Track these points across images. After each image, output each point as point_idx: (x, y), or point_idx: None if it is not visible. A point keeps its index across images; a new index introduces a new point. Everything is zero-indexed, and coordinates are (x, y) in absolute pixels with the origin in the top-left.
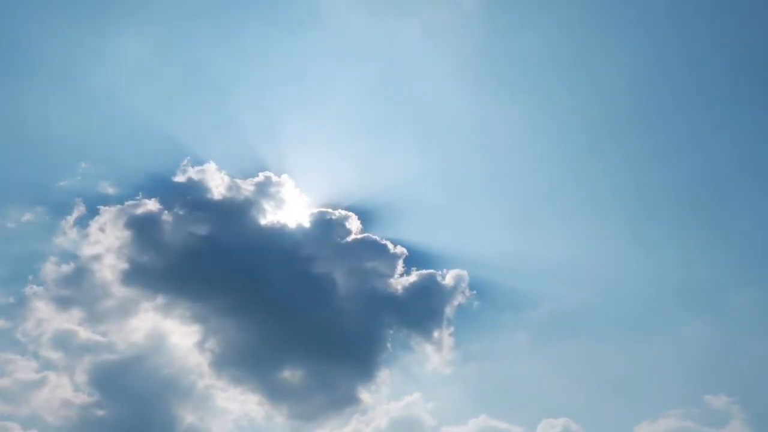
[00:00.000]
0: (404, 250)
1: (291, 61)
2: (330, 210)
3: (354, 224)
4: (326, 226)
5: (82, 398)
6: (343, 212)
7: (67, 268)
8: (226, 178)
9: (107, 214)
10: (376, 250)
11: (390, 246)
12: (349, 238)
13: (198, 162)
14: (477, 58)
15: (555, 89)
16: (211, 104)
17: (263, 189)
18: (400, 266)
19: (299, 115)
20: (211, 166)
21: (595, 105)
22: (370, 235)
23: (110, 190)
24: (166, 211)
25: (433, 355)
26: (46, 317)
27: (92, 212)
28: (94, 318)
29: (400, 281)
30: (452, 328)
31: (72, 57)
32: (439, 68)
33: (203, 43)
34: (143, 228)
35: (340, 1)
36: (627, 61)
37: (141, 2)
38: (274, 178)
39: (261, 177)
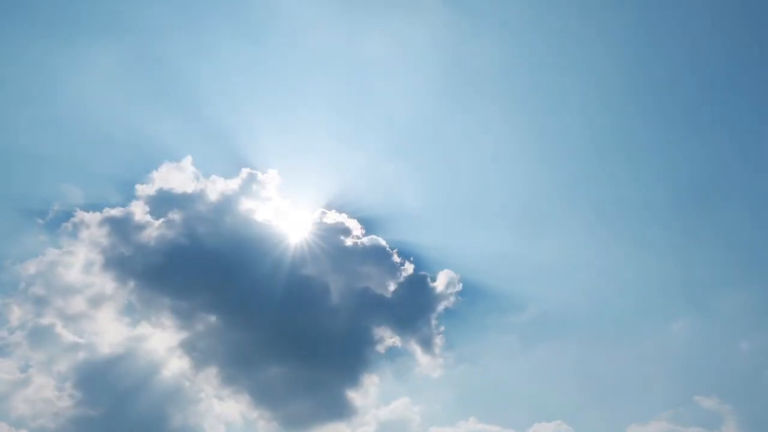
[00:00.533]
0: (396, 254)
1: (264, 69)
2: (324, 211)
3: (346, 227)
4: (316, 228)
5: (63, 399)
6: (334, 214)
7: (46, 271)
8: (205, 178)
9: (86, 218)
10: (367, 253)
11: (382, 249)
12: (342, 240)
13: (175, 163)
14: (448, 65)
15: (533, 94)
16: (185, 108)
17: (245, 187)
18: (391, 269)
19: (274, 119)
20: (188, 167)
21: (579, 108)
22: (363, 237)
23: (87, 195)
24: (147, 215)
25: (422, 358)
26: (28, 319)
27: (69, 216)
28: (74, 320)
29: (391, 284)
30: (442, 331)
31: (46, 68)
32: (411, 76)
33: (176, 53)
34: (123, 231)
35: (310, 10)
36: (610, 62)
37: (110, 15)
38: (260, 176)
39: (244, 174)
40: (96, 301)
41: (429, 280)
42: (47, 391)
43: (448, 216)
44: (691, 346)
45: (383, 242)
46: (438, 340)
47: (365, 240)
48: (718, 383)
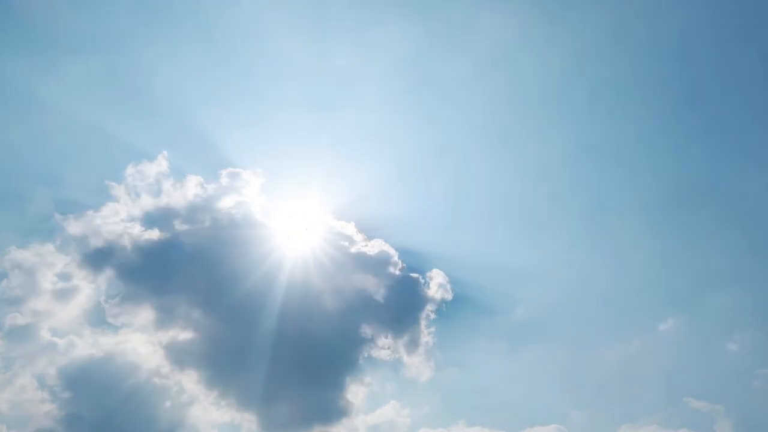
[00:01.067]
0: (387, 255)
1: (234, 77)
2: (309, 212)
3: (334, 228)
4: (302, 229)
5: (46, 401)
6: (319, 215)
7: (23, 272)
8: (182, 178)
9: (62, 219)
10: (356, 255)
11: (371, 252)
12: (331, 242)
13: (149, 162)
14: (427, 71)
15: (514, 99)
16: (158, 114)
17: (227, 187)
18: (381, 272)
19: (247, 124)
20: (163, 164)
21: (565, 113)
22: (353, 240)
23: (64, 197)
24: (124, 216)
25: (412, 361)
26: (5, 321)
27: (46, 218)
28: (54, 322)
29: (380, 287)
30: (431, 334)
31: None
32: (388, 80)
33: (150, 65)
34: (102, 231)
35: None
36: (593, 66)
37: (86, 28)
38: (242, 175)
39: (225, 174)
40: (76, 303)
41: (419, 282)
42: (29, 392)
43: (436, 219)
44: (680, 347)
45: (373, 244)
46: (428, 343)
47: (355, 242)
48: (708, 384)
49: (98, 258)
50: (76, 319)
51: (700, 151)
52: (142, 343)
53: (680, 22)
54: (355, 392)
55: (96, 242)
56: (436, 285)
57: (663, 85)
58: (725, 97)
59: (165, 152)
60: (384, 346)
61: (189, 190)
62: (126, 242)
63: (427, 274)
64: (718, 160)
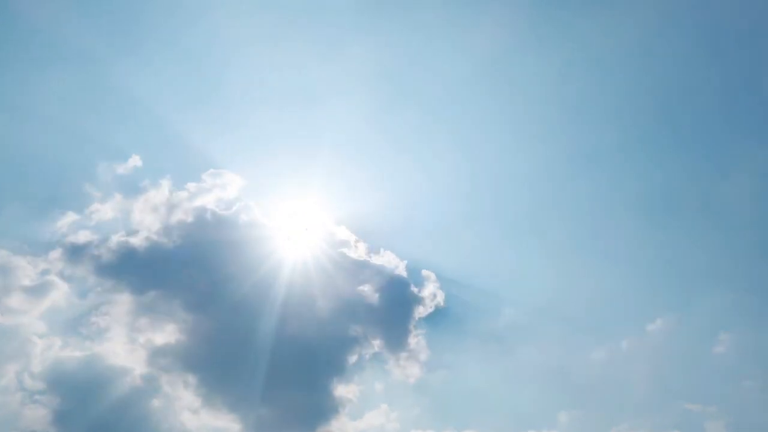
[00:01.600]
0: (377, 262)
1: (207, 86)
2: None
3: (325, 230)
4: (284, 231)
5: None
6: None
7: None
8: (164, 180)
9: (44, 222)
10: (346, 258)
11: (362, 257)
12: (320, 244)
13: (122, 164)
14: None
15: (495, 109)
16: (140, 117)
17: (208, 188)
18: (371, 275)
19: (219, 130)
20: (136, 160)
21: (554, 116)
22: (343, 242)
23: (43, 201)
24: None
25: (401, 365)
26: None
27: (27, 220)
28: (37, 323)
29: (370, 290)
30: (421, 337)
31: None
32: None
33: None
34: (82, 234)
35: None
36: (580, 71)
37: (59, 41)
38: (224, 177)
39: (207, 176)
40: (55, 305)
41: (409, 285)
42: (12, 393)
43: (426, 222)
44: (669, 348)
45: (363, 247)
46: (418, 345)
47: (346, 245)
48: (698, 385)
49: (78, 259)
50: (56, 321)
51: (690, 155)
52: (124, 346)
53: (679, 25)
54: (344, 396)
55: (75, 243)
56: (427, 287)
57: (661, 86)
58: (713, 104)
59: (140, 154)
60: (373, 349)
61: (166, 191)
62: (106, 243)
63: (419, 277)
64: (709, 163)
